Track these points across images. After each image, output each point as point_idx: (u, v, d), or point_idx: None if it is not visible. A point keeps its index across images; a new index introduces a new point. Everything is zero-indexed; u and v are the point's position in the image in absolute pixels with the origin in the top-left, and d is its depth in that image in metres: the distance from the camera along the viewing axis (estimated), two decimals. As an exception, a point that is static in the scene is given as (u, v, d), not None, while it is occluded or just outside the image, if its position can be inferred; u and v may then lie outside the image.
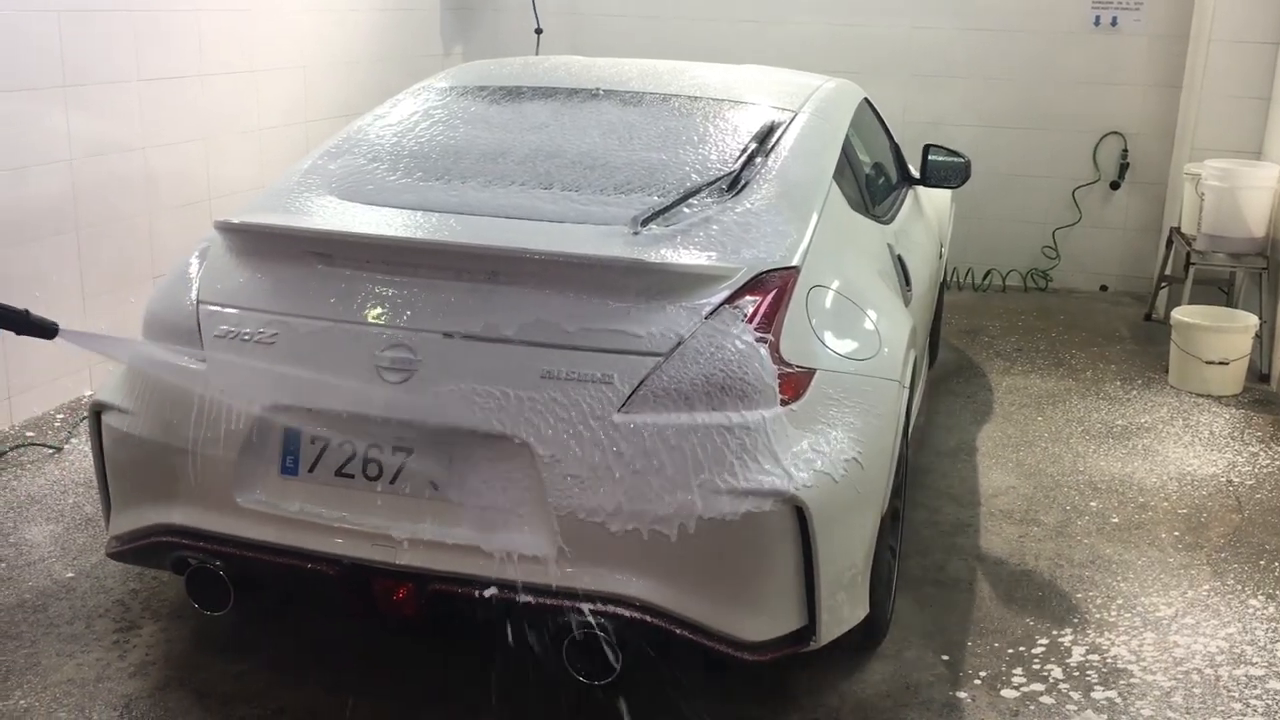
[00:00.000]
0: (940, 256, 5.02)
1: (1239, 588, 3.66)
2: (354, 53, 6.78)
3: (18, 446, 4.42)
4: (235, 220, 3.02)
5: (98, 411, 3.04)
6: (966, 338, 6.32)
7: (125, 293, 5.13)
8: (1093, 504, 4.25)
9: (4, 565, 3.57)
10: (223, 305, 2.93)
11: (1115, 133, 7.22)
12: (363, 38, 6.87)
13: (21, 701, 2.93)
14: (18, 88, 4.52)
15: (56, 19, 4.66)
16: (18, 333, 2.77)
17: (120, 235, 5.13)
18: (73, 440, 4.52)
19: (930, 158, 4.60)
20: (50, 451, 4.42)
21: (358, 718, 2.90)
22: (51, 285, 4.76)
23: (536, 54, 7.52)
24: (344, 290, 2.85)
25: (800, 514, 2.62)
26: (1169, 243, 6.64)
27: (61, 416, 4.75)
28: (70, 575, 3.53)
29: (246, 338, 2.86)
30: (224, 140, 5.73)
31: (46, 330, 2.78)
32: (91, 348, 3.38)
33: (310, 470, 2.80)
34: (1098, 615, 3.47)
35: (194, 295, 2.99)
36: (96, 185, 4.96)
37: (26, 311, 2.76)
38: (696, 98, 3.67)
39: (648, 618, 2.60)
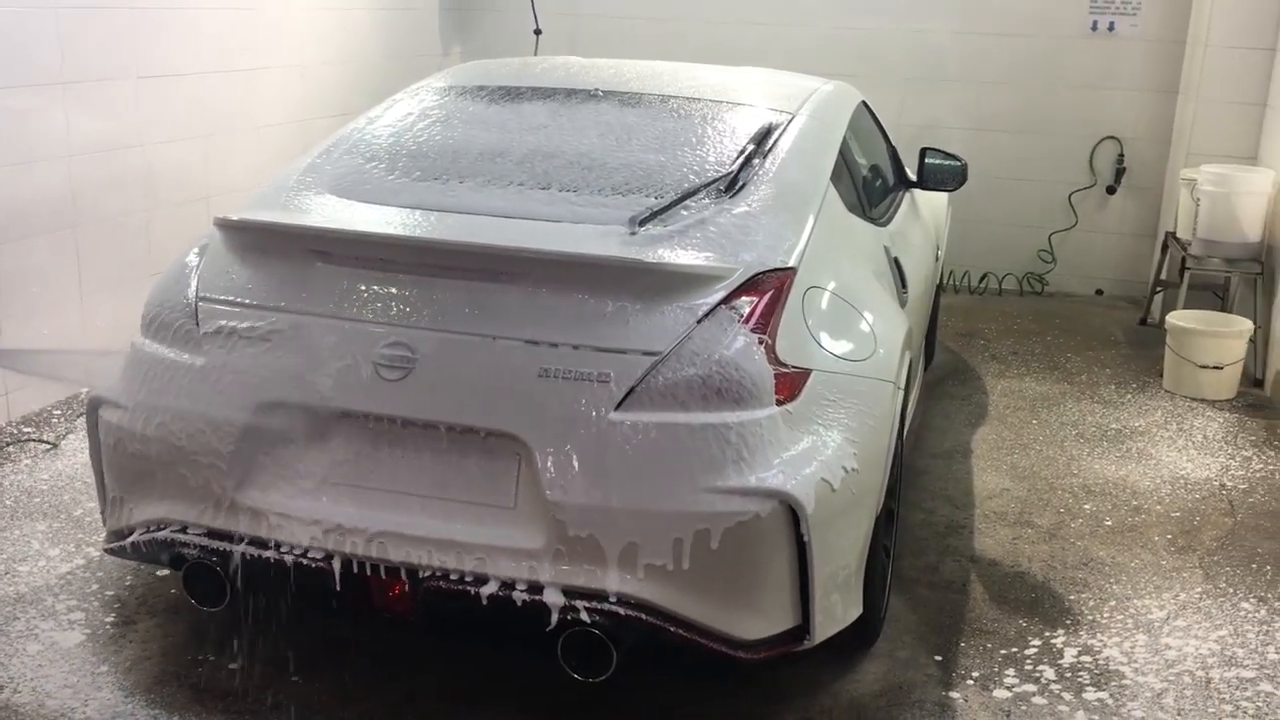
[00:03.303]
0: (936, 259, 5.03)
1: (1231, 591, 3.68)
2: (353, 51, 6.79)
3: (14, 442, 4.43)
4: (235, 217, 3.03)
5: (95, 407, 3.06)
6: (962, 340, 6.34)
7: (123, 290, 5.13)
8: (1086, 507, 4.27)
9: (1, 560, 3.58)
10: (221, 301, 2.95)
11: (1112, 137, 7.24)
12: (361, 37, 6.89)
13: (16, 696, 2.93)
14: (16, 84, 4.53)
15: (55, 15, 4.67)
16: None
17: (119, 233, 5.14)
18: (70, 436, 4.52)
19: (927, 161, 4.61)
20: (47, 447, 4.42)
21: (355, 713, 2.91)
22: (50, 282, 4.77)
23: (535, 55, 7.54)
24: (342, 287, 2.86)
25: (795, 514, 2.64)
26: (1164, 247, 6.66)
27: (58, 412, 4.75)
28: (66, 570, 3.53)
29: (244, 334, 2.87)
30: (223, 138, 5.74)
31: None
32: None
33: (307, 466, 2.81)
34: (1090, 617, 3.49)
35: (193, 290, 3.00)
36: (95, 182, 4.96)
37: None
38: (694, 99, 3.69)
39: (642, 615, 2.61)
